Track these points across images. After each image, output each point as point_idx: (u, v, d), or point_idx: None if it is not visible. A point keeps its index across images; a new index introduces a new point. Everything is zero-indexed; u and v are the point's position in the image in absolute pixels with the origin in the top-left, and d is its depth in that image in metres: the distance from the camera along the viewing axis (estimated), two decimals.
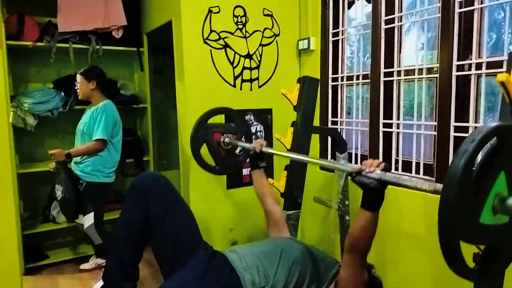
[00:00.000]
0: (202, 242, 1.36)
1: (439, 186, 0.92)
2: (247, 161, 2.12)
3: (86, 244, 3.16)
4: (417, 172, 2.10)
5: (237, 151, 2.30)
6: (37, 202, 3.15)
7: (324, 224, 2.75)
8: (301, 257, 1.33)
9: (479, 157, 0.88)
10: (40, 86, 3.03)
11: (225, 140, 2.09)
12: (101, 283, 2.71)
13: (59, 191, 2.48)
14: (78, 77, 2.61)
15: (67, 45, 2.90)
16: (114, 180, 2.70)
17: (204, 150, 2.13)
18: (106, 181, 2.60)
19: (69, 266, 2.91)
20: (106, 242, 2.56)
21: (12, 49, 2.48)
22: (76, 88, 2.64)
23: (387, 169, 1.10)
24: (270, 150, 1.72)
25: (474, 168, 0.83)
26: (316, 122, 2.59)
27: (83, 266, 2.81)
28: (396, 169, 2.23)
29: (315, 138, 2.70)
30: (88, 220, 2.55)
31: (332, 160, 2.21)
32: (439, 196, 0.84)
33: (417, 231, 2.15)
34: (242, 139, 2.20)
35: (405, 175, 2.17)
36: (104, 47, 3.02)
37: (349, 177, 2.06)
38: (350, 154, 2.46)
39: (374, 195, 1.10)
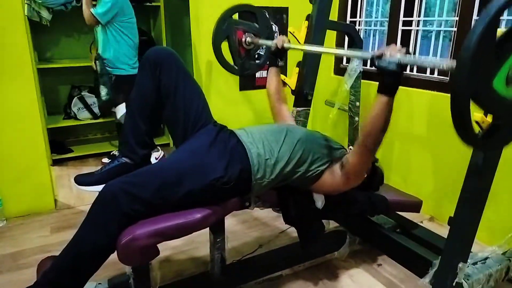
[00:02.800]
0: (212, 119, 1.42)
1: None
2: (266, 63, 2.04)
3: (108, 142, 3.36)
4: (432, 73, 2.07)
5: (256, 54, 2.21)
6: (58, 101, 3.29)
7: (335, 127, 2.81)
8: (305, 138, 1.39)
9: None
10: None
11: (247, 39, 1.99)
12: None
13: (103, 92, 2.66)
14: None
15: None
16: None
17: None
18: (134, 73, 2.62)
19: (92, 160, 3.13)
20: None
21: None
22: None
23: (407, 53, 1.08)
24: (291, 46, 1.69)
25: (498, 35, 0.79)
26: None
27: (105, 160, 3.01)
28: (411, 70, 2.20)
29: (330, 37, 2.63)
30: (120, 110, 2.73)
31: (352, 48, 2.15)
32: (447, 95, 0.79)
33: (423, 133, 2.19)
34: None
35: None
36: None
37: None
38: None
39: (391, 78, 1.09)
